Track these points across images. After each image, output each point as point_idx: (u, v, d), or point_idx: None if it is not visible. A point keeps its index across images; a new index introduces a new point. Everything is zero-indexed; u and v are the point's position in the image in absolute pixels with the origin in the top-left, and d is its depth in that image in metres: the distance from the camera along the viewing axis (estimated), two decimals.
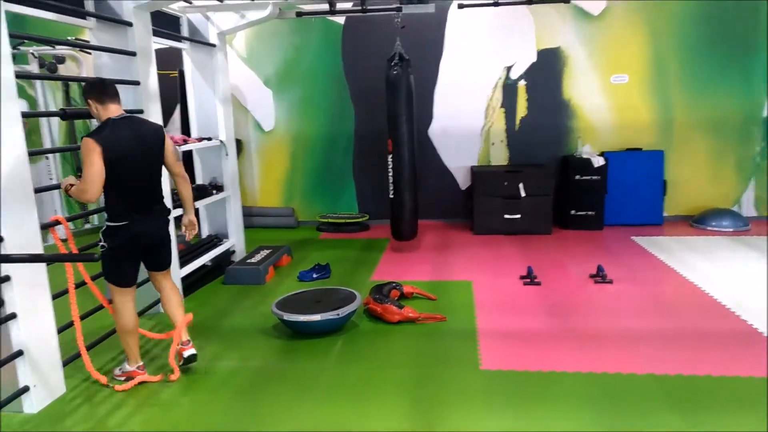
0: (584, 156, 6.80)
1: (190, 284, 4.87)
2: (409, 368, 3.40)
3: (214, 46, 5.41)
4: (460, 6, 5.40)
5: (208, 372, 3.42)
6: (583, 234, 6.58)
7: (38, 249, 2.98)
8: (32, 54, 6.57)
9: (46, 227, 3.11)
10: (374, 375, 3.32)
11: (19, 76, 2.98)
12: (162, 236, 3.33)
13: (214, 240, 5.51)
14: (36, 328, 2.96)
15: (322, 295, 4.09)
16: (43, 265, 3.01)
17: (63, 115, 3.38)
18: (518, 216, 6.59)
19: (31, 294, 2.93)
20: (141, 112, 4.08)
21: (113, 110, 3.10)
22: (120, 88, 4.06)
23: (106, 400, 3.12)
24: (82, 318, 3.30)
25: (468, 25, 6.96)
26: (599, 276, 4.90)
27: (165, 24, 5.12)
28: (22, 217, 2.89)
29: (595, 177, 6.68)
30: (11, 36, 2.94)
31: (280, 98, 7.35)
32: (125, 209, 3.08)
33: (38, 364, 2.97)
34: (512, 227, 6.63)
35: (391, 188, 5.77)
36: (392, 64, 5.58)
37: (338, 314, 3.75)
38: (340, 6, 5.60)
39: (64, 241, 3.24)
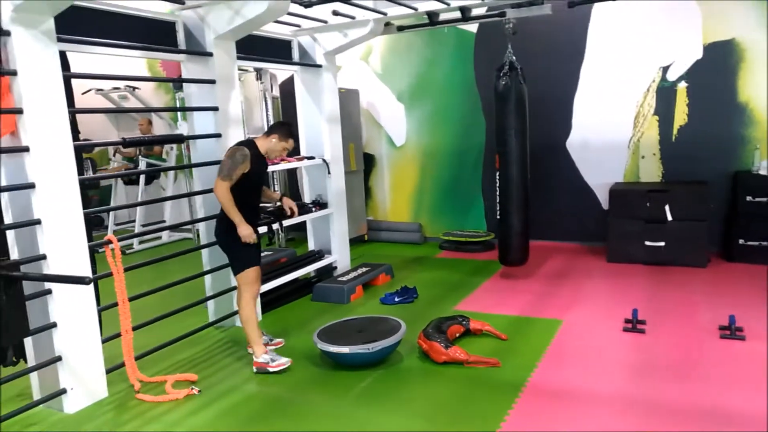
0: (762, 173, 5.50)
1: (278, 297, 5.04)
2: (422, 419, 3.07)
3: (320, 66, 5.54)
4: (570, 5, 4.73)
5: (228, 393, 3.47)
6: (751, 269, 5.32)
7: (86, 267, 3.33)
8: None
9: (100, 245, 3.50)
10: (381, 421, 3.06)
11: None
12: (218, 240, 3.83)
13: (316, 255, 5.63)
14: (76, 336, 3.30)
15: (368, 324, 3.90)
16: None
17: (123, 143, 3.76)
18: (662, 243, 5.57)
19: (72, 306, 3.27)
20: (219, 136, 4.35)
21: None
22: (201, 114, 4.44)
23: (133, 408, 3.35)
24: (134, 329, 3.59)
25: (615, 22, 6.09)
26: (729, 329, 3.90)
27: (278, 49, 5.39)
28: (67, 237, 3.24)
29: None
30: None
31: (412, 112, 7.25)
32: None
33: (77, 369, 3.30)
34: (655, 257, 5.62)
35: (498, 209, 5.32)
36: (500, 74, 5.14)
37: (368, 348, 3.53)
38: (443, 17, 5.31)
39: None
